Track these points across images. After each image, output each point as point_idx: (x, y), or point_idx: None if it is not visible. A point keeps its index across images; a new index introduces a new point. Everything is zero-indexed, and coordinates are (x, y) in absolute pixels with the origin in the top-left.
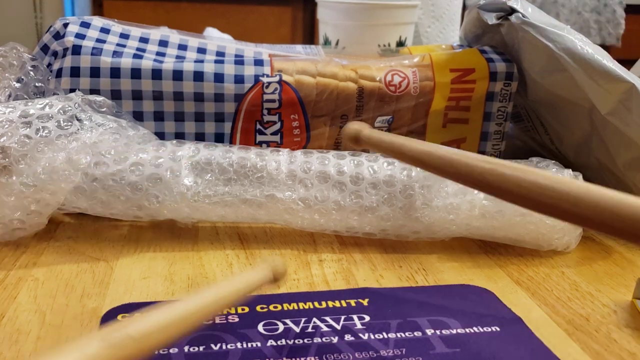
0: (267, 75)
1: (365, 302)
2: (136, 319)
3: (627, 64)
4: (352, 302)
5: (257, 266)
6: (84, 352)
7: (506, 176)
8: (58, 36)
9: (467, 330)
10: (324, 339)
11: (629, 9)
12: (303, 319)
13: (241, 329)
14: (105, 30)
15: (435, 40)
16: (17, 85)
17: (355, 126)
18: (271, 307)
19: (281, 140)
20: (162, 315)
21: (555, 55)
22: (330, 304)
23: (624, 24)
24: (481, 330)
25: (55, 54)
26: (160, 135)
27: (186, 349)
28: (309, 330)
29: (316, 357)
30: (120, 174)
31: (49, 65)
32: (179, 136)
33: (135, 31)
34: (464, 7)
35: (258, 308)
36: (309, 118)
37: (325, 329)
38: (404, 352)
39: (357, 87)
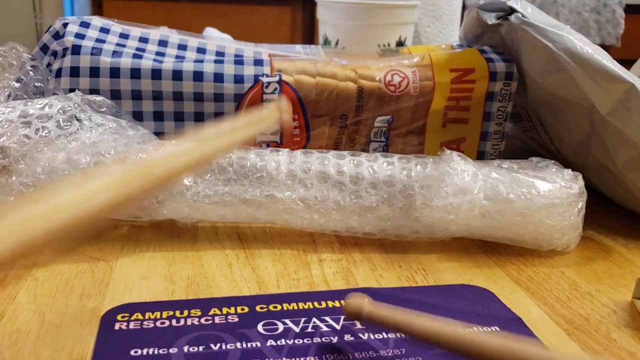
0: (267, 75)
1: None
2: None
3: (627, 64)
4: None
5: (265, 108)
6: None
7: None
8: (58, 36)
9: (467, 330)
10: (323, 339)
11: (629, 9)
12: (303, 319)
13: (241, 329)
14: (104, 30)
15: (435, 40)
16: (17, 85)
17: (356, 303)
18: (271, 307)
19: (281, 140)
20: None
21: (554, 55)
22: (330, 303)
23: (624, 24)
24: (481, 330)
25: (54, 54)
26: (160, 135)
27: (186, 348)
28: (309, 330)
29: (316, 357)
30: None
31: (49, 65)
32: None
33: (135, 31)
34: (464, 7)
35: (258, 308)
36: (309, 118)
37: (325, 328)
38: (403, 352)
39: (357, 87)
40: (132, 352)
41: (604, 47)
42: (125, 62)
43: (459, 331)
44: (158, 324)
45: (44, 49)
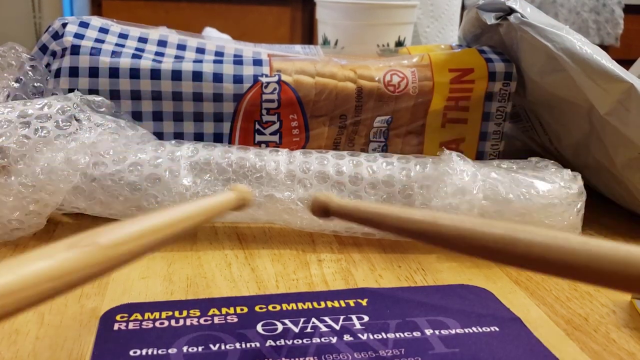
0: (266, 75)
1: (364, 302)
2: (105, 231)
3: (626, 64)
4: (351, 302)
5: (223, 191)
6: (53, 258)
7: (484, 234)
8: (57, 36)
9: (466, 330)
10: (322, 339)
11: (628, 9)
12: (302, 319)
13: (240, 329)
14: (104, 30)
15: (434, 40)
16: (16, 85)
17: (322, 197)
18: (270, 307)
19: (280, 140)
20: (131, 228)
21: (554, 55)
22: (329, 304)
23: (623, 24)
24: (480, 330)
25: (54, 54)
26: (159, 135)
27: (185, 349)
28: (308, 330)
29: (315, 358)
30: (119, 174)
31: (48, 65)
32: (178, 136)
33: (134, 31)
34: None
35: (257, 308)
36: (308, 118)
37: (324, 329)
38: (402, 352)
39: (356, 87)
40: (131, 353)
41: (603, 47)
42: (125, 62)
43: (427, 215)
44: (157, 324)
45: (43, 49)
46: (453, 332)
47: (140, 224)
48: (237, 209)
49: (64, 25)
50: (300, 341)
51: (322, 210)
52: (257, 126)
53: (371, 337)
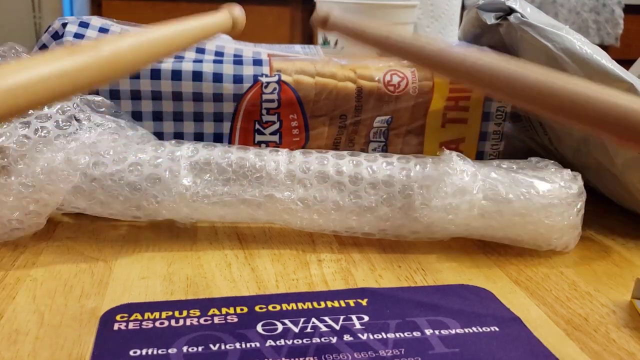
0: (266, 75)
1: (364, 302)
2: (106, 40)
3: (626, 64)
4: (351, 302)
5: (217, 12)
6: (55, 64)
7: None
8: (57, 36)
9: (466, 330)
10: (322, 339)
11: (628, 9)
12: (302, 319)
13: (240, 329)
14: (104, 30)
15: None
16: None
17: (325, 10)
18: (270, 307)
19: (280, 140)
20: (132, 40)
21: (554, 55)
22: (329, 304)
23: (623, 23)
24: (480, 330)
25: None
26: (159, 135)
27: (185, 349)
28: (308, 330)
29: (315, 358)
30: (119, 174)
31: None
32: (178, 136)
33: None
34: (463, 7)
35: (257, 308)
36: (308, 118)
37: (324, 329)
38: (402, 352)
39: (356, 87)
40: (131, 353)
41: (603, 47)
42: None
43: (406, 37)
44: (157, 324)
45: (43, 49)
46: (453, 332)
47: (140, 37)
48: (231, 30)
49: (64, 25)
50: (300, 341)
51: (322, 21)
52: (257, 126)
53: (371, 337)
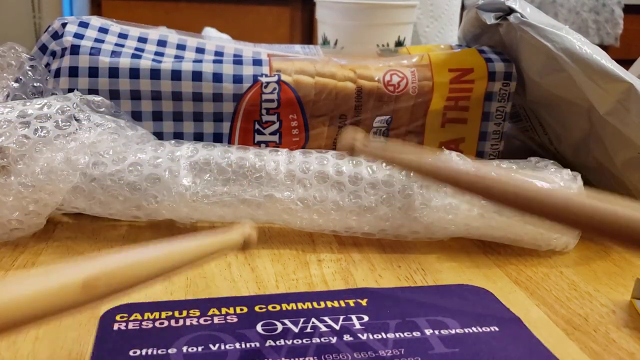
0: (266, 75)
1: (364, 302)
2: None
3: (626, 63)
4: (351, 302)
5: (229, 231)
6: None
7: (494, 182)
8: (56, 36)
9: (466, 330)
10: (322, 339)
11: (628, 9)
12: (302, 319)
13: (240, 329)
14: (103, 30)
15: (433, 40)
16: (15, 85)
17: (350, 136)
18: (270, 307)
19: (280, 140)
20: (132, 257)
21: (553, 55)
22: (329, 304)
23: (622, 23)
24: (480, 330)
25: (53, 54)
26: (159, 135)
27: (185, 349)
28: (308, 330)
29: (315, 358)
30: (119, 174)
31: (48, 65)
32: (178, 136)
33: (134, 31)
34: (463, 7)
35: (257, 308)
36: (308, 118)
37: (324, 329)
38: (402, 352)
39: (356, 87)
40: (130, 353)
41: (603, 47)
42: (124, 62)
43: (442, 161)
44: (157, 324)
45: (43, 48)
46: (453, 332)
47: (138, 255)
48: (241, 249)
49: (64, 25)
50: (300, 341)
51: (349, 148)
52: (257, 126)
53: (371, 337)
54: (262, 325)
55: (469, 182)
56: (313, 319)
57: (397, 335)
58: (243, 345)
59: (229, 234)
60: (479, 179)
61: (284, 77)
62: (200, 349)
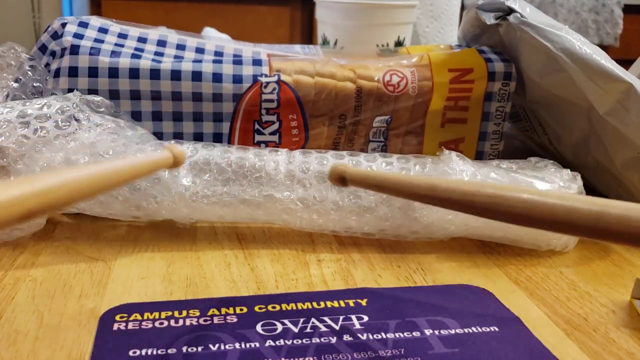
0: (266, 75)
1: (363, 302)
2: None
3: (625, 64)
4: (351, 302)
5: (159, 149)
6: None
7: (488, 196)
8: (56, 36)
9: (466, 330)
10: (322, 339)
11: (627, 9)
12: (301, 319)
13: (239, 329)
14: (103, 30)
15: (433, 40)
16: (15, 85)
17: (339, 169)
18: (269, 307)
19: (280, 140)
20: (70, 175)
21: (553, 55)
22: (329, 304)
23: (622, 23)
24: (480, 330)
25: (53, 54)
26: (159, 135)
27: (184, 349)
28: (308, 330)
29: (314, 358)
30: None
31: (47, 65)
32: (178, 136)
33: (134, 31)
34: (463, 7)
35: (256, 308)
36: (308, 118)
37: (323, 329)
38: (402, 352)
39: (356, 87)
40: (130, 353)
41: (603, 47)
42: (124, 62)
43: (424, 180)
44: (157, 324)
45: (43, 49)
46: (453, 332)
47: (68, 174)
48: (171, 167)
49: (64, 25)
50: (299, 341)
51: (340, 179)
52: (257, 126)
53: (371, 337)
54: (261, 326)
55: (462, 202)
56: (313, 319)
57: (396, 335)
58: (243, 345)
59: (159, 152)
60: (473, 197)
61: (283, 77)
62: (200, 349)
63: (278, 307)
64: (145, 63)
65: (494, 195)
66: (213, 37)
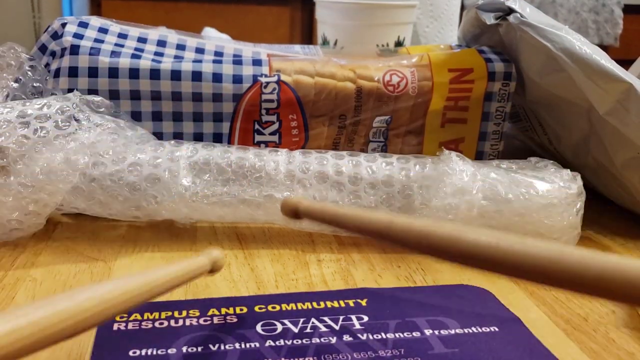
0: (266, 75)
1: (363, 302)
2: (66, 297)
3: (625, 64)
4: (351, 302)
5: (195, 256)
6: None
7: (438, 235)
8: (56, 36)
9: (466, 330)
10: (322, 340)
11: (627, 9)
12: (301, 319)
13: (239, 330)
14: (103, 30)
15: (433, 40)
16: (15, 85)
17: (293, 200)
18: (269, 308)
19: (280, 140)
20: (100, 291)
21: (553, 55)
22: (329, 304)
23: (622, 23)
24: (480, 330)
25: (53, 54)
26: (159, 136)
27: (184, 349)
28: (308, 330)
29: (314, 358)
30: (119, 175)
31: (47, 65)
32: (177, 136)
33: (134, 31)
34: (463, 7)
35: (256, 308)
36: (308, 118)
37: (323, 329)
38: (402, 352)
39: (356, 87)
40: (130, 353)
41: (603, 47)
42: (124, 62)
43: (383, 217)
44: (157, 324)
45: (43, 49)
46: (452, 332)
47: (107, 288)
48: (210, 273)
49: (64, 25)
50: (299, 341)
51: (293, 212)
52: (257, 126)
53: (371, 337)
54: (261, 326)
55: (418, 242)
56: (313, 319)
57: (396, 335)
58: (243, 346)
59: (197, 258)
60: (428, 236)
61: (283, 77)
62: (200, 349)
63: (278, 307)
64: (145, 63)
65: (449, 236)
66: (213, 37)
